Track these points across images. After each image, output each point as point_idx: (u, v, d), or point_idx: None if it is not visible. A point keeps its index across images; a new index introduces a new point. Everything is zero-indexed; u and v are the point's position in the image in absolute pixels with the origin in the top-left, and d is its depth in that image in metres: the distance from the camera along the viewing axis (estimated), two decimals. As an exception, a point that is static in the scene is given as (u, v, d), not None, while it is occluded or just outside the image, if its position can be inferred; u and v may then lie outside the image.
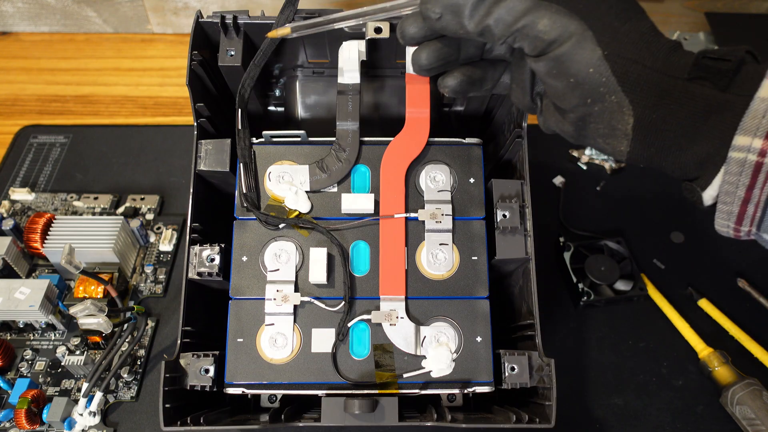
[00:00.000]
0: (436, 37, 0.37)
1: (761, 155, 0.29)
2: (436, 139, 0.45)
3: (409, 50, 0.45)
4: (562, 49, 0.32)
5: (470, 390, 0.41)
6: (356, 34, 0.45)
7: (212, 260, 0.42)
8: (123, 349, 0.49)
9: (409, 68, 0.45)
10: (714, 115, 0.30)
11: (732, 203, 0.31)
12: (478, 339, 0.41)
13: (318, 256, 0.42)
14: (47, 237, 0.52)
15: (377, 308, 0.41)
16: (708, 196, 0.32)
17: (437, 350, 0.40)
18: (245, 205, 0.43)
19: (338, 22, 0.41)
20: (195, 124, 0.45)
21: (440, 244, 0.43)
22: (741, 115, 0.30)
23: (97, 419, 0.47)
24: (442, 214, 0.43)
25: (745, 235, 0.32)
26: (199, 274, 0.42)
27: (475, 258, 0.43)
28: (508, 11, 0.32)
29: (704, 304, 0.54)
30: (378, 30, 0.44)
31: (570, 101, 0.33)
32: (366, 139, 0.44)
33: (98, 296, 0.51)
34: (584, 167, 0.63)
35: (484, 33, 0.34)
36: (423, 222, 0.43)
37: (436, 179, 0.44)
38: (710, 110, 0.31)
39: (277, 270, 0.42)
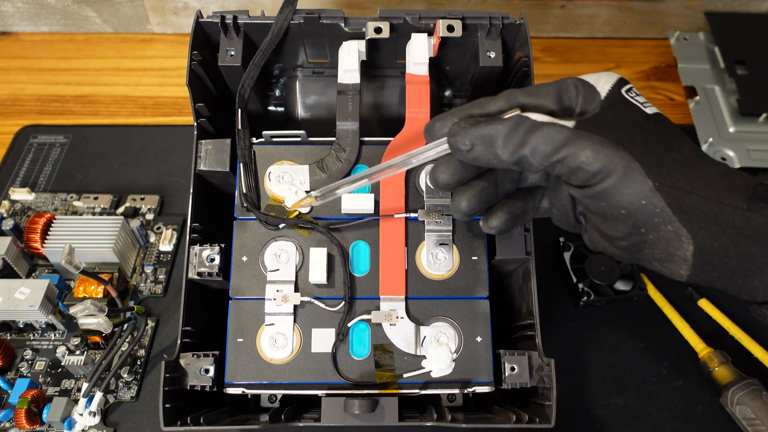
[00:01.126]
0: (471, 178, 0.36)
1: None
2: (436, 139, 0.44)
3: (410, 52, 0.45)
4: (609, 182, 0.31)
5: (470, 390, 0.41)
6: (356, 34, 0.45)
7: (212, 260, 0.42)
8: (123, 349, 0.49)
9: (410, 69, 0.45)
10: None
11: None
12: (478, 339, 0.41)
13: (318, 256, 0.42)
14: (47, 237, 0.52)
15: (377, 308, 0.41)
16: None
17: (437, 350, 0.40)
18: (245, 205, 0.43)
19: (365, 180, 0.38)
20: (195, 124, 0.45)
21: (440, 244, 0.43)
22: None
23: (97, 419, 0.47)
24: (442, 214, 0.43)
25: None
26: (199, 274, 0.42)
27: (475, 258, 0.43)
28: (546, 141, 0.31)
29: (704, 304, 0.54)
30: (378, 30, 0.44)
31: (621, 230, 0.32)
32: (366, 139, 0.44)
33: (98, 296, 0.51)
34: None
35: (520, 162, 0.32)
36: (423, 222, 0.43)
37: (436, 179, 0.44)
38: None
39: (277, 270, 0.42)
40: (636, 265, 0.54)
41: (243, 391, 0.41)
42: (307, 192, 0.43)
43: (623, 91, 0.33)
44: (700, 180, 0.31)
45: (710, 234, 0.30)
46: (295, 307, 0.42)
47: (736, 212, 0.30)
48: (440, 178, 0.35)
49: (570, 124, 0.32)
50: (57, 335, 0.52)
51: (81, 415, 0.46)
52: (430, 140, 0.36)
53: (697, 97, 0.67)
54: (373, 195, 0.43)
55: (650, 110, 0.33)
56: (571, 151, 0.31)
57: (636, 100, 0.33)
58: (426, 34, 0.45)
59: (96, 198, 0.59)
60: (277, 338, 0.41)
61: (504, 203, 0.37)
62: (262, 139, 0.44)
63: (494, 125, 0.32)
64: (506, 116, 0.33)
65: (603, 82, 0.34)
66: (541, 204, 0.38)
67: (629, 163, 0.30)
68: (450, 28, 0.44)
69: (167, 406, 0.38)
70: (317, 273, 0.41)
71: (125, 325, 0.50)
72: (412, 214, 0.43)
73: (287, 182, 0.43)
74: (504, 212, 0.37)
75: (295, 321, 0.41)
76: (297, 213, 0.43)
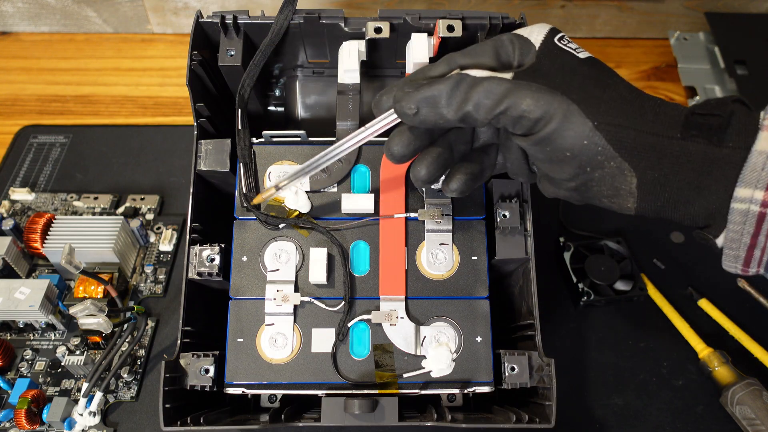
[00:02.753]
0: (425, 146, 0.37)
1: (764, 206, 0.30)
2: (436, 139, 0.44)
3: (410, 52, 0.45)
4: (550, 126, 0.32)
5: (470, 390, 0.41)
6: (356, 34, 0.45)
7: (212, 260, 0.42)
8: (123, 349, 0.49)
9: (410, 69, 0.45)
10: (715, 169, 0.31)
11: (738, 249, 0.32)
12: (478, 339, 0.41)
13: (318, 256, 0.42)
14: (47, 237, 0.52)
15: (377, 308, 0.41)
16: (720, 241, 0.32)
17: (437, 350, 0.40)
18: (245, 205, 0.43)
19: (319, 165, 0.39)
20: (195, 124, 0.45)
21: (440, 244, 0.43)
22: (740, 167, 0.30)
23: (97, 419, 0.47)
24: (442, 214, 0.43)
25: (753, 274, 0.33)
26: (199, 274, 0.42)
27: (475, 258, 0.43)
28: (487, 95, 0.32)
29: (704, 304, 0.54)
30: (378, 30, 0.44)
31: (567, 172, 0.34)
32: (366, 139, 0.44)
33: (98, 296, 0.51)
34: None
35: (466, 119, 0.33)
36: (423, 222, 0.43)
37: (436, 179, 0.44)
38: (710, 165, 0.31)
39: (277, 270, 0.42)
40: (635, 264, 0.54)
41: (243, 391, 0.41)
42: (307, 192, 0.43)
43: (556, 39, 0.35)
44: (636, 115, 0.32)
45: (650, 165, 0.32)
46: (295, 307, 0.42)
47: (671, 142, 0.32)
48: (395, 151, 0.36)
49: (508, 76, 0.33)
50: (57, 335, 0.52)
51: (81, 415, 0.46)
52: (379, 114, 0.37)
53: (697, 97, 0.67)
54: (373, 195, 0.43)
55: (583, 55, 0.34)
56: (512, 102, 0.32)
57: (569, 47, 0.35)
58: (426, 34, 0.45)
59: (96, 198, 0.59)
60: (277, 338, 0.41)
61: (461, 165, 0.38)
62: (262, 139, 0.44)
63: (436, 86, 0.33)
64: (447, 77, 0.34)
65: (536, 34, 0.35)
66: (496, 160, 0.39)
67: (568, 106, 0.32)
68: (450, 28, 0.44)
69: (167, 406, 0.38)
70: (317, 273, 0.41)
71: (125, 325, 0.50)
72: (412, 214, 0.43)
73: (287, 182, 0.43)
74: (462, 173, 0.38)
75: (295, 321, 0.41)
76: (297, 213, 0.43)
